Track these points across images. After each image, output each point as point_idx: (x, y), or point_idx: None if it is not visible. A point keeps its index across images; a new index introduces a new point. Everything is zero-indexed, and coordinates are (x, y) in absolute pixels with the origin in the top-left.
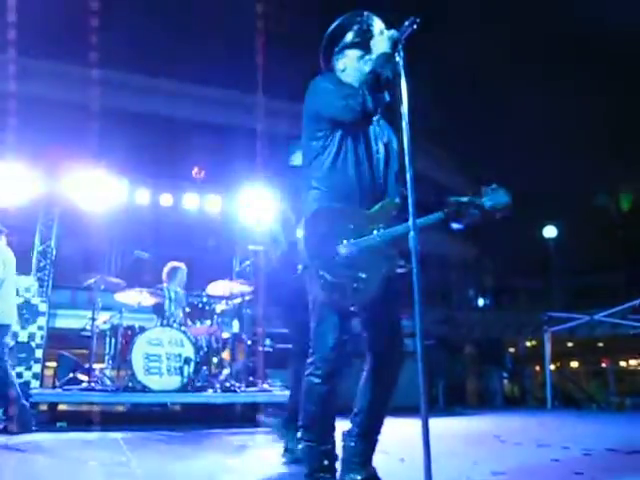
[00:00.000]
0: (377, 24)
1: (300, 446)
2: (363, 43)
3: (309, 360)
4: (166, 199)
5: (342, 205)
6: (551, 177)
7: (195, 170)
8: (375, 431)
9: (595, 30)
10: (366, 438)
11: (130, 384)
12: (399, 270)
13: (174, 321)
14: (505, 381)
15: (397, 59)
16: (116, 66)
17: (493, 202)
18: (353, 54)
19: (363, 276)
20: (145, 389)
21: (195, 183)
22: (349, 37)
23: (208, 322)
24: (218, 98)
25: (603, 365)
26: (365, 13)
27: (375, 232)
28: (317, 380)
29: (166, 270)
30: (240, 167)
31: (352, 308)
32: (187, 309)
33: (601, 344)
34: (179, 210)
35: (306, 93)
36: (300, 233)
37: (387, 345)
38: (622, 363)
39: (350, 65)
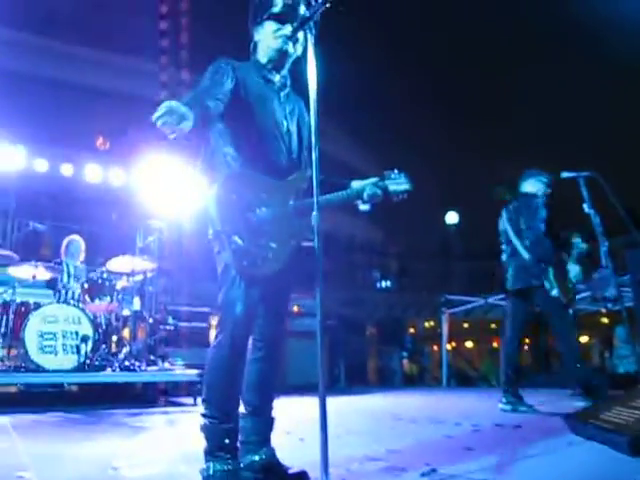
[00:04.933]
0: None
1: (201, 422)
2: (283, 17)
3: (217, 330)
4: (67, 169)
5: (254, 173)
6: (455, 168)
7: (100, 140)
8: (266, 409)
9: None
10: (259, 417)
11: (23, 363)
12: (306, 243)
13: (71, 297)
14: (404, 360)
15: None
16: (15, 25)
17: (395, 186)
18: (270, 27)
19: (273, 245)
20: (39, 369)
21: (98, 154)
22: (274, 8)
23: (108, 299)
24: (124, 66)
25: (495, 345)
26: None
27: (291, 203)
28: (223, 351)
29: (64, 243)
30: (147, 141)
31: (259, 278)
32: (86, 285)
33: (494, 325)
34: (80, 181)
35: None
36: (211, 198)
37: (277, 329)
38: None
39: (263, 39)
